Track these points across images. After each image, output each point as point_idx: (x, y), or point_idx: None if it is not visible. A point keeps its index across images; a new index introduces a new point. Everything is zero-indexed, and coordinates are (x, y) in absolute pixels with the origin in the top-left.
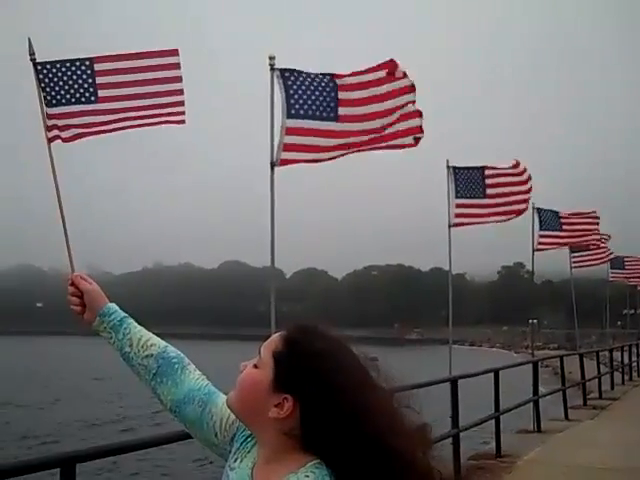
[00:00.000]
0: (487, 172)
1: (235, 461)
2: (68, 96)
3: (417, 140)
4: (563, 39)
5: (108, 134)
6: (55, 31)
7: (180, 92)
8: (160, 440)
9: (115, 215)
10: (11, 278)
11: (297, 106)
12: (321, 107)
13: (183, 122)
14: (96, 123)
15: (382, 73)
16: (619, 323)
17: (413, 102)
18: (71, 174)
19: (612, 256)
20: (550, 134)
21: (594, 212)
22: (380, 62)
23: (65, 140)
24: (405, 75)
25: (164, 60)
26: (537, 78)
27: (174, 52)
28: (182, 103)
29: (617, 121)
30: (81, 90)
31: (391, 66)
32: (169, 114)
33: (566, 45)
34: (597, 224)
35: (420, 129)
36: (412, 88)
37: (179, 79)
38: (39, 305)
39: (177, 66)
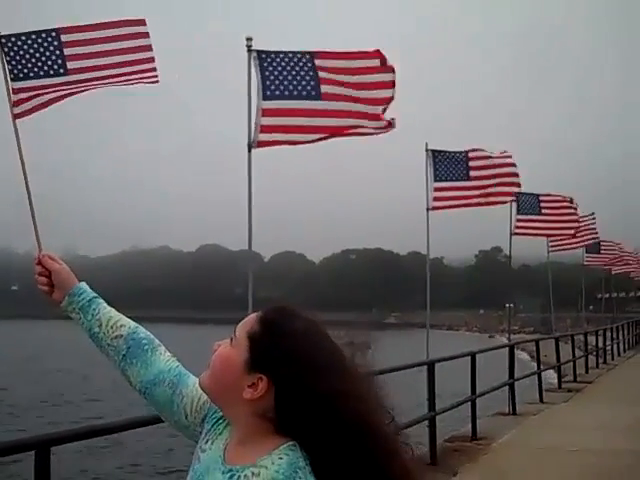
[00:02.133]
0: (471, 155)
1: (206, 443)
2: (36, 69)
3: (389, 124)
4: (553, 35)
5: (78, 95)
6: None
7: (151, 60)
8: (135, 423)
9: (92, 198)
10: None
11: (273, 87)
12: (300, 86)
13: (157, 81)
14: (66, 95)
15: (366, 62)
16: (591, 307)
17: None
18: (46, 156)
19: (592, 241)
20: (537, 124)
21: (571, 199)
22: (365, 50)
23: (35, 109)
24: (392, 69)
25: (132, 29)
26: (526, 70)
27: (141, 22)
28: (154, 69)
29: (607, 115)
30: (49, 62)
31: (378, 56)
32: (141, 77)
33: (557, 40)
34: (576, 210)
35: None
36: (393, 84)
37: (149, 48)
38: (14, 288)
39: (146, 35)
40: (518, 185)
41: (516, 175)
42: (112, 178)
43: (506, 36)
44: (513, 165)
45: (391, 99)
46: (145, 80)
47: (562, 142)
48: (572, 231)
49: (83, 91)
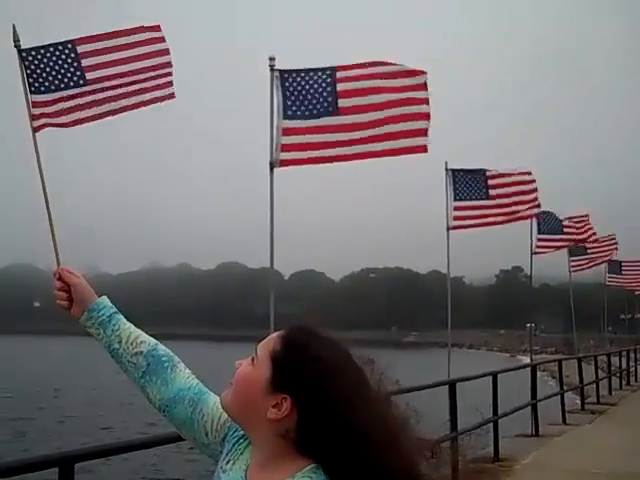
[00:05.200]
0: (489, 174)
1: (227, 463)
2: (56, 82)
3: (424, 147)
4: (564, 40)
5: (103, 119)
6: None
7: (169, 64)
8: (159, 440)
9: (112, 215)
10: (8, 277)
11: (294, 107)
12: (318, 104)
13: (173, 97)
14: (88, 104)
15: (389, 68)
16: (609, 328)
17: (425, 100)
18: (68, 174)
19: (612, 256)
20: (551, 136)
21: (586, 216)
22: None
23: (60, 125)
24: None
25: (148, 35)
26: (539, 79)
27: (156, 28)
28: (170, 74)
29: (620, 123)
30: (68, 74)
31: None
32: (158, 87)
33: (568, 46)
34: (591, 227)
35: (425, 132)
36: (425, 86)
37: (167, 52)
38: (36, 305)
39: (162, 40)
40: (538, 205)
41: (535, 193)
42: (132, 196)
43: (527, 52)
44: (533, 182)
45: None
46: (161, 95)
47: (581, 157)
48: (591, 244)
49: (103, 116)
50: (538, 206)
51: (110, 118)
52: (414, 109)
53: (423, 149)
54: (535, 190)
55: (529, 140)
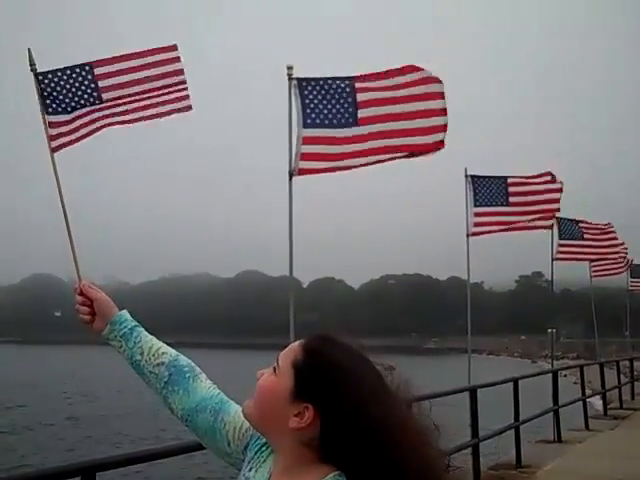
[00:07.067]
0: (510, 181)
1: (250, 470)
2: (73, 103)
3: (440, 144)
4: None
5: (115, 126)
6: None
7: (183, 83)
8: (181, 449)
9: (132, 226)
10: (29, 287)
11: (313, 115)
12: (339, 114)
13: (190, 108)
14: (103, 117)
15: (407, 77)
16: (626, 333)
17: (440, 95)
18: (87, 187)
19: (630, 266)
20: (572, 143)
21: (609, 224)
22: (402, 66)
23: (73, 142)
24: (436, 80)
25: (163, 56)
26: (554, 83)
27: (173, 48)
28: (187, 97)
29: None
30: (85, 96)
31: (414, 70)
32: (175, 106)
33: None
34: (615, 236)
35: (444, 127)
36: (442, 95)
37: (181, 72)
38: (57, 314)
39: (177, 60)
40: (557, 209)
41: (557, 198)
42: (152, 207)
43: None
44: (553, 183)
45: (444, 112)
46: (178, 108)
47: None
48: (615, 256)
49: (119, 123)
50: (557, 209)
51: (125, 126)
52: (431, 104)
53: (440, 145)
54: (556, 197)
55: (549, 144)
